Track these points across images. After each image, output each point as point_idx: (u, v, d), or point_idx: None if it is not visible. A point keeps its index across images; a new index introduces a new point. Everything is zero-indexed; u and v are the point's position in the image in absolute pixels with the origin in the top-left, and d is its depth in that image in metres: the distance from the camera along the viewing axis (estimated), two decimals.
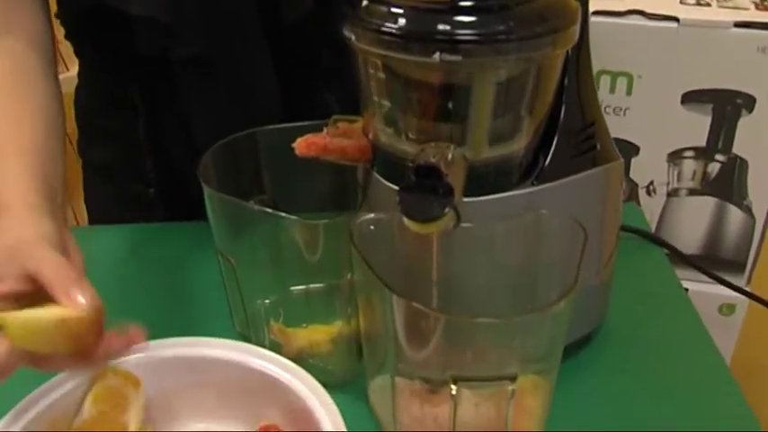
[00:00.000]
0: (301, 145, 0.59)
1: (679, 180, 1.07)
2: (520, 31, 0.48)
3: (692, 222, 1.09)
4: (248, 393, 0.55)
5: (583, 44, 0.55)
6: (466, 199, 0.50)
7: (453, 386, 0.49)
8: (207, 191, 0.59)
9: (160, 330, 0.58)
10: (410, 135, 0.53)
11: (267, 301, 0.65)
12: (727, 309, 1.12)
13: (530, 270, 0.55)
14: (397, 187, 0.50)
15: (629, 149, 1.06)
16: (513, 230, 0.54)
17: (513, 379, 0.49)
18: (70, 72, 1.72)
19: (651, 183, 1.08)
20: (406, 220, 0.48)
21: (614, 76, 1.02)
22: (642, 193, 1.09)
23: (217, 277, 0.66)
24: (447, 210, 0.47)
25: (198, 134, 0.77)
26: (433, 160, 0.48)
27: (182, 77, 0.76)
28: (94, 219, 0.94)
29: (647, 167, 1.07)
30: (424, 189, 0.47)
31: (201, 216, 0.62)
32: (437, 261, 0.55)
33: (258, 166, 0.66)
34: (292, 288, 0.65)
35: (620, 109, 1.04)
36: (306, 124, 0.61)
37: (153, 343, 0.56)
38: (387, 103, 0.53)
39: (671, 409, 0.60)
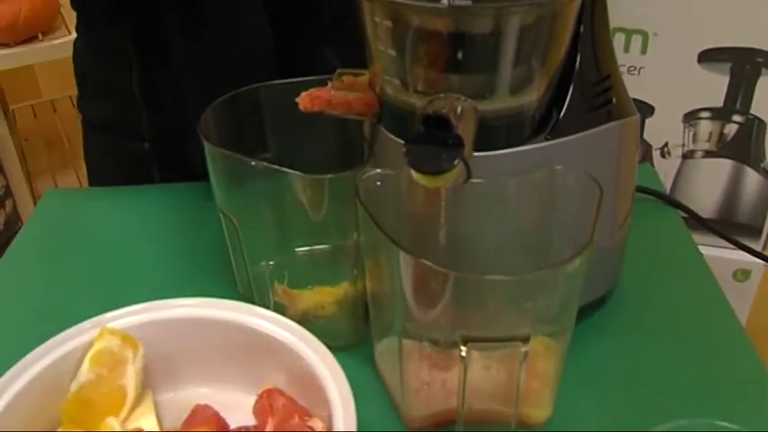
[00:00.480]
0: (305, 99, 0.57)
1: (695, 142, 1.05)
2: None
3: (707, 185, 1.07)
4: (252, 355, 0.54)
5: None
6: (477, 153, 0.47)
7: (463, 347, 0.48)
8: (208, 148, 0.57)
9: (162, 293, 0.56)
10: (418, 87, 0.51)
11: (271, 262, 0.63)
12: (742, 275, 1.10)
13: (543, 228, 0.53)
14: (404, 142, 0.48)
15: (644, 110, 1.03)
16: (526, 187, 0.52)
17: (525, 340, 0.47)
18: (73, 35, 1.70)
19: (666, 144, 1.06)
20: (413, 172, 0.46)
21: (629, 33, 0.99)
22: (656, 154, 1.07)
23: (219, 240, 0.65)
24: (456, 162, 0.45)
25: (187, 87, 0.74)
26: (442, 111, 0.46)
27: (171, 21, 0.73)
28: (94, 177, 0.94)
29: (662, 128, 1.04)
30: (433, 140, 0.45)
31: (197, 174, 0.61)
32: (446, 218, 0.53)
33: (261, 123, 0.64)
34: (297, 249, 0.64)
35: (635, 68, 1.01)
36: (310, 79, 0.59)
37: (154, 304, 0.55)
38: (394, 54, 0.51)
39: (686, 371, 0.59)
